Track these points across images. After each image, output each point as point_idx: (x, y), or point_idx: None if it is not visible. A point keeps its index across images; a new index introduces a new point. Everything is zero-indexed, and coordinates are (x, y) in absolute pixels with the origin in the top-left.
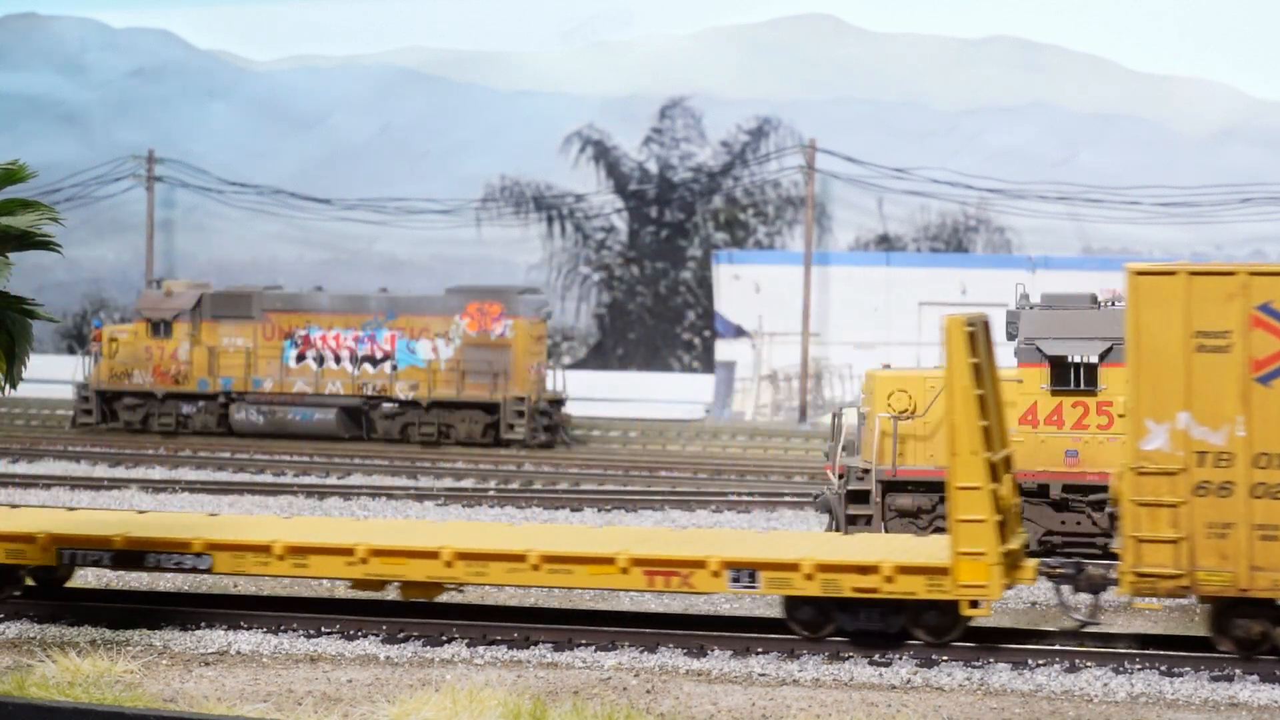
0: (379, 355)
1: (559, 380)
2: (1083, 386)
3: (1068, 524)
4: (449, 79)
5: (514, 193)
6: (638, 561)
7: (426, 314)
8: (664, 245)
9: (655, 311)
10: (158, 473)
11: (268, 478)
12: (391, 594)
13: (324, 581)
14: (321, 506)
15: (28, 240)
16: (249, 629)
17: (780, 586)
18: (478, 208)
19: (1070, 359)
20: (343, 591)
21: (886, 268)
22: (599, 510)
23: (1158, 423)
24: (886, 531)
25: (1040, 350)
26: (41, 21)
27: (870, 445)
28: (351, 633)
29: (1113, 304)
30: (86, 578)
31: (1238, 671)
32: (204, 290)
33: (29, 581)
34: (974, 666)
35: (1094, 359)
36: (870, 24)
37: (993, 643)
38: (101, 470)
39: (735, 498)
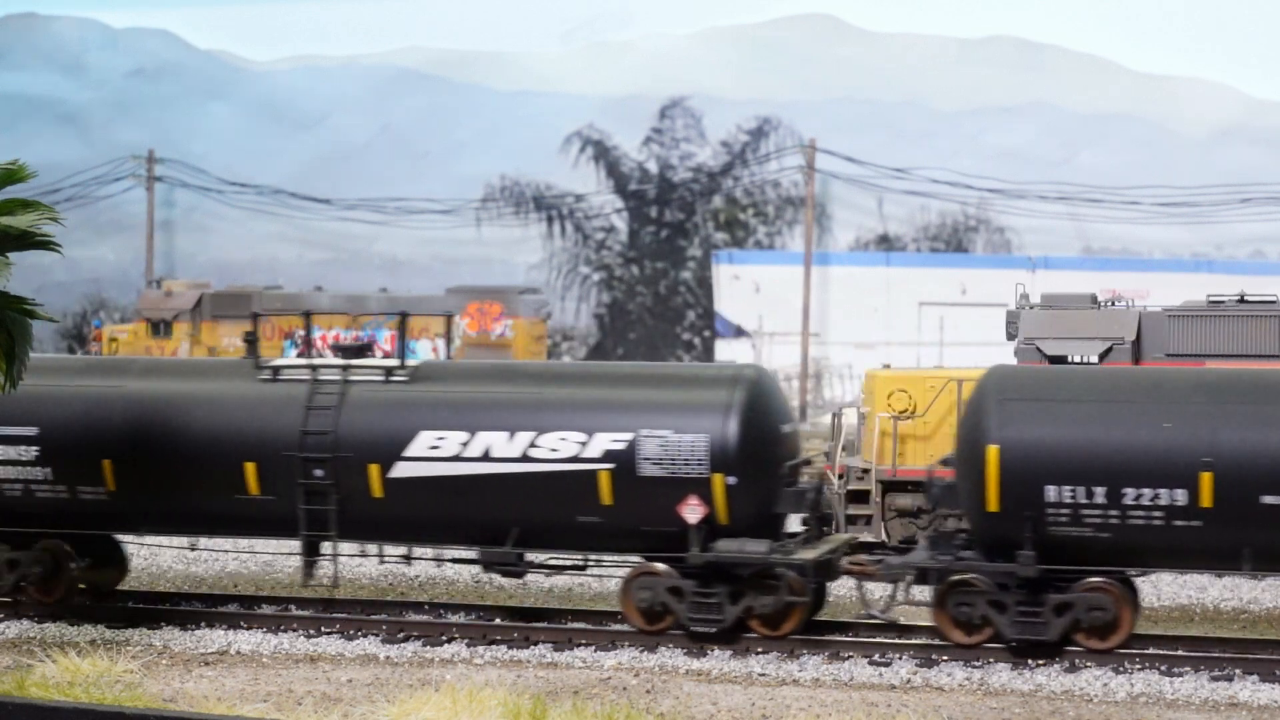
0: (379, 355)
1: None
2: None
3: None
4: (449, 79)
5: (514, 193)
6: None
7: (426, 314)
8: (664, 245)
9: (655, 311)
10: None
11: None
12: None
13: (324, 580)
14: None
15: (28, 240)
16: (249, 629)
17: None
18: (478, 208)
19: (1070, 359)
20: (342, 591)
21: (886, 268)
22: None
23: None
24: (886, 531)
25: (1040, 350)
26: (41, 21)
27: (870, 445)
28: (351, 633)
29: (1112, 304)
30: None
31: (1238, 671)
32: (204, 290)
33: None
34: (974, 666)
35: (1094, 359)
36: (870, 24)
37: None
38: None
39: None
